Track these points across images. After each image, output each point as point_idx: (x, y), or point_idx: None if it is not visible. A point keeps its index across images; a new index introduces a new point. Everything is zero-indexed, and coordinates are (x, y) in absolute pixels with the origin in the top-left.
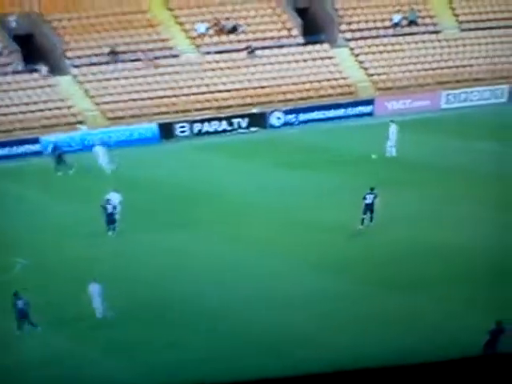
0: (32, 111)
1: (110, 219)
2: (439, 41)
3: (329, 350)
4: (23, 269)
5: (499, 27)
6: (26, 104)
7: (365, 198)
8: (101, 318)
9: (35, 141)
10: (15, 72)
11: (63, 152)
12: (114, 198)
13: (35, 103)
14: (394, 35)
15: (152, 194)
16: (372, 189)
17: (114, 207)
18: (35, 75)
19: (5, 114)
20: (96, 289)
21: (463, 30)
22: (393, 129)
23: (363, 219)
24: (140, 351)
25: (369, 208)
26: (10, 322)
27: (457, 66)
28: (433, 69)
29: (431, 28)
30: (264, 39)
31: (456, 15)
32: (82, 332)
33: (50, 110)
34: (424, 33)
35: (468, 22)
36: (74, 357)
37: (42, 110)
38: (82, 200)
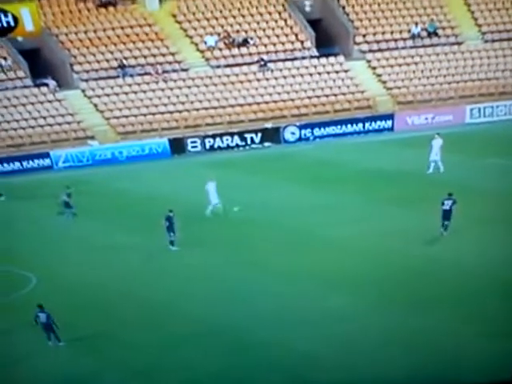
0: (41, 126)
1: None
2: (461, 52)
3: (344, 373)
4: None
5: None
6: (35, 119)
7: (442, 204)
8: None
9: (45, 155)
10: (24, 87)
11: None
12: (211, 186)
13: (44, 118)
14: (413, 47)
15: (163, 211)
16: (450, 194)
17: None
18: (44, 89)
19: (14, 129)
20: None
21: (486, 41)
22: (437, 142)
23: (444, 225)
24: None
25: (446, 215)
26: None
27: (481, 79)
28: (455, 82)
29: (452, 39)
30: (276, 52)
31: (478, 25)
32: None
33: (59, 124)
34: (445, 44)
35: (491, 32)
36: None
37: (51, 125)
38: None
